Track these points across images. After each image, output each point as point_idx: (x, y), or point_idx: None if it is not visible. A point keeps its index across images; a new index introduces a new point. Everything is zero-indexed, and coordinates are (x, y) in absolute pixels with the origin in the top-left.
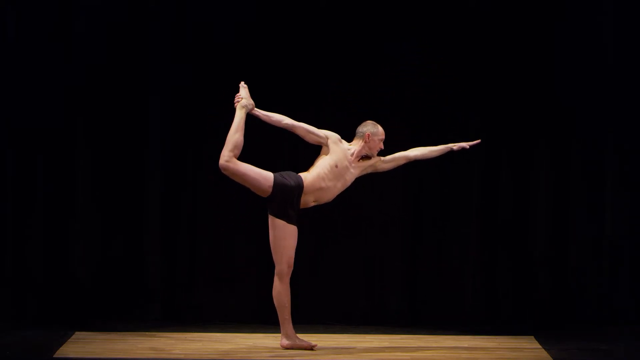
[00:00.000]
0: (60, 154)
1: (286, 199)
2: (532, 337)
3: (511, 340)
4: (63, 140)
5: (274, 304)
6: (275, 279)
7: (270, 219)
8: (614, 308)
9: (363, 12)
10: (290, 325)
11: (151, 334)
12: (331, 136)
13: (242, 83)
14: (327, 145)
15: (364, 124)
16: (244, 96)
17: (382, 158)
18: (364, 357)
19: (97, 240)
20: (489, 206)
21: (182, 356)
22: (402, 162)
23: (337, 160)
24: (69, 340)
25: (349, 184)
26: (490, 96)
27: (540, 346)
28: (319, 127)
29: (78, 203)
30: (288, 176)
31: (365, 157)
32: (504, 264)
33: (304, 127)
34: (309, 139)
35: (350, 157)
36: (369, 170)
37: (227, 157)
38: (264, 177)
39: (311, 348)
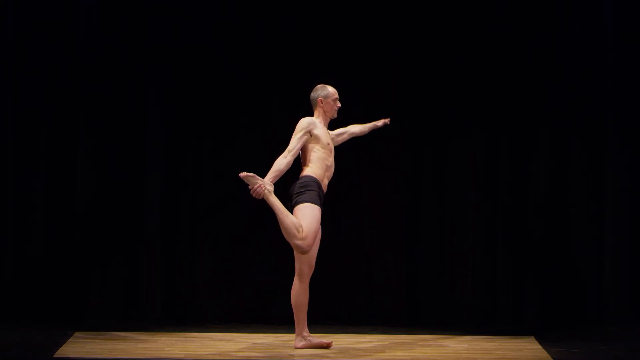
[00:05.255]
0: (60, 154)
1: (322, 195)
2: (532, 337)
3: (511, 341)
4: (63, 140)
5: (290, 304)
6: (295, 279)
7: (300, 207)
8: (614, 308)
9: (358, 10)
10: (306, 326)
11: (151, 334)
12: (310, 125)
13: (243, 174)
14: (312, 135)
15: (314, 90)
16: (260, 182)
17: (331, 132)
18: (364, 357)
19: (97, 240)
20: (489, 206)
21: (182, 356)
22: (346, 137)
23: (324, 137)
24: (69, 340)
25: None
26: (489, 93)
27: (540, 346)
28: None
29: (78, 203)
30: (312, 188)
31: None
32: (504, 263)
33: (297, 149)
34: (303, 148)
35: (325, 129)
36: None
37: (303, 238)
38: (319, 221)
39: (327, 346)
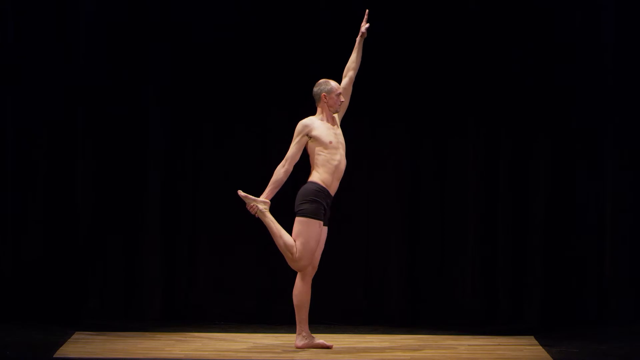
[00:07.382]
0: (60, 153)
1: (325, 205)
2: (532, 337)
3: (511, 340)
4: (64, 140)
5: (292, 303)
6: (298, 278)
7: (300, 220)
8: (614, 308)
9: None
10: (307, 325)
11: (151, 334)
12: (306, 128)
13: (240, 193)
14: (310, 137)
15: (316, 85)
16: (255, 202)
17: (341, 88)
18: (364, 357)
19: (97, 239)
20: (489, 205)
21: (182, 356)
22: (350, 88)
23: (325, 137)
24: (69, 340)
25: (343, 141)
26: (488, 93)
27: (540, 346)
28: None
29: (78, 203)
30: (316, 197)
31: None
32: (503, 263)
33: (294, 155)
34: (308, 151)
35: (328, 124)
36: (341, 116)
37: (296, 260)
38: (317, 239)
39: (328, 347)
